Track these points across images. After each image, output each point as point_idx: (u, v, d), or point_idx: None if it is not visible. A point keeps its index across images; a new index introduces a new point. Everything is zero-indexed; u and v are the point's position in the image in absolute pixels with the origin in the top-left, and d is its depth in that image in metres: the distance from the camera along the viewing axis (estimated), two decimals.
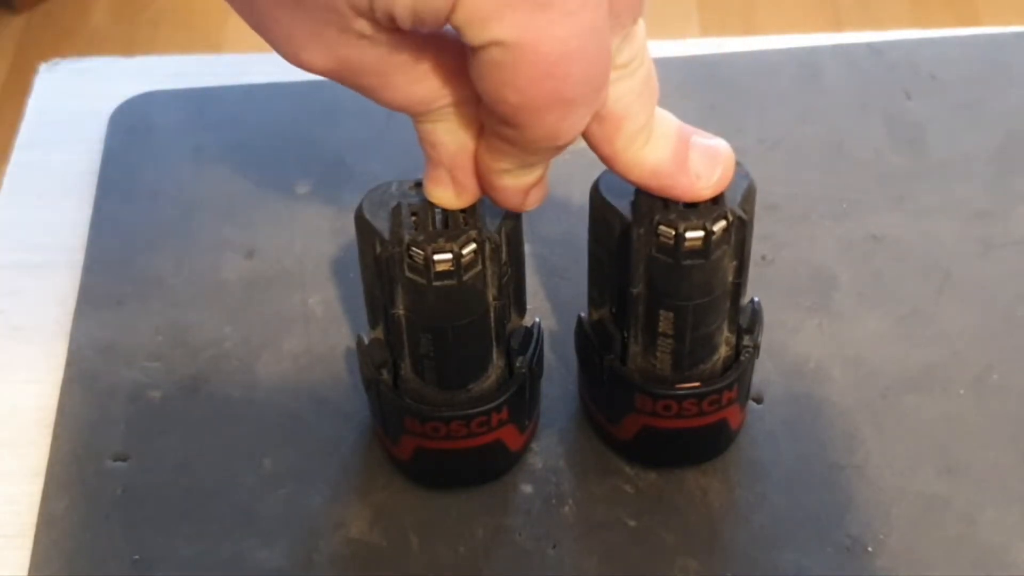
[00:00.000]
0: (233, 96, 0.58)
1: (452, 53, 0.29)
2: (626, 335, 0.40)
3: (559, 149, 0.32)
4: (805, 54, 0.59)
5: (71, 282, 0.50)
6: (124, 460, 0.44)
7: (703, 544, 0.42)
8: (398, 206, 0.36)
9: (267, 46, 0.31)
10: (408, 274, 0.36)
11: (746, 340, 0.40)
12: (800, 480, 0.43)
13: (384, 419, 0.42)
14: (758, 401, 0.45)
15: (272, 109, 0.57)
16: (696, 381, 0.40)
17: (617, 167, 0.35)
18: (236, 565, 0.41)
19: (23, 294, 0.51)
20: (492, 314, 0.38)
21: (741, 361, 0.40)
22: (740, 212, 0.36)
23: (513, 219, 0.37)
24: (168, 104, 0.57)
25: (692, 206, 0.36)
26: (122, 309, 0.49)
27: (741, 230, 0.37)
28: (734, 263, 0.38)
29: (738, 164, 0.37)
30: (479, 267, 0.36)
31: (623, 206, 0.37)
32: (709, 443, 0.43)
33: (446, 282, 0.35)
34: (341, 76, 0.31)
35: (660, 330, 0.39)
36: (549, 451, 0.44)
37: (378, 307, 0.39)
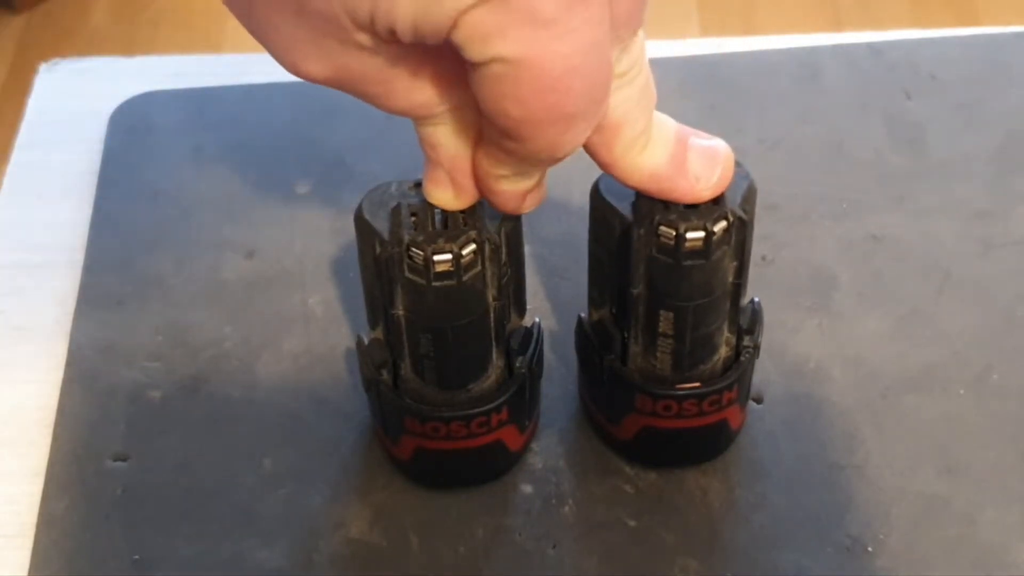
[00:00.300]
0: (233, 96, 0.58)
1: (452, 59, 0.29)
2: (626, 335, 0.40)
3: (558, 160, 0.32)
4: (805, 54, 0.59)
5: (71, 282, 0.50)
6: (124, 460, 0.44)
7: (703, 544, 0.42)
8: (398, 206, 0.36)
9: None
10: (408, 274, 0.36)
11: (746, 340, 0.40)
12: (800, 480, 0.43)
13: (384, 419, 0.42)
14: (758, 401, 0.45)
15: (272, 109, 0.57)
16: (696, 381, 0.40)
17: (616, 173, 0.35)
18: (236, 565, 0.41)
19: (23, 294, 0.51)
20: (492, 314, 0.38)
21: (741, 361, 0.40)
22: (741, 212, 0.36)
23: (513, 219, 0.37)
24: (168, 104, 0.57)
25: (693, 206, 0.36)
26: (122, 309, 0.49)
27: (741, 230, 0.37)
28: (734, 263, 0.38)
29: (738, 164, 0.37)
30: (479, 267, 0.36)
31: (623, 206, 0.37)
32: (709, 443, 0.43)
33: (446, 282, 0.35)
34: (341, 84, 0.31)
35: (660, 330, 0.39)
36: (549, 451, 0.44)
37: (378, 307, 0.39)
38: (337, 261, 0.50)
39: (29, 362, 0.48)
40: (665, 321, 0.38)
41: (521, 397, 0.41)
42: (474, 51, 0.28)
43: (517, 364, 0.40)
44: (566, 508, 0.43)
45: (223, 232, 0.52)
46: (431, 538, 0.42)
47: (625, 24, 0.30)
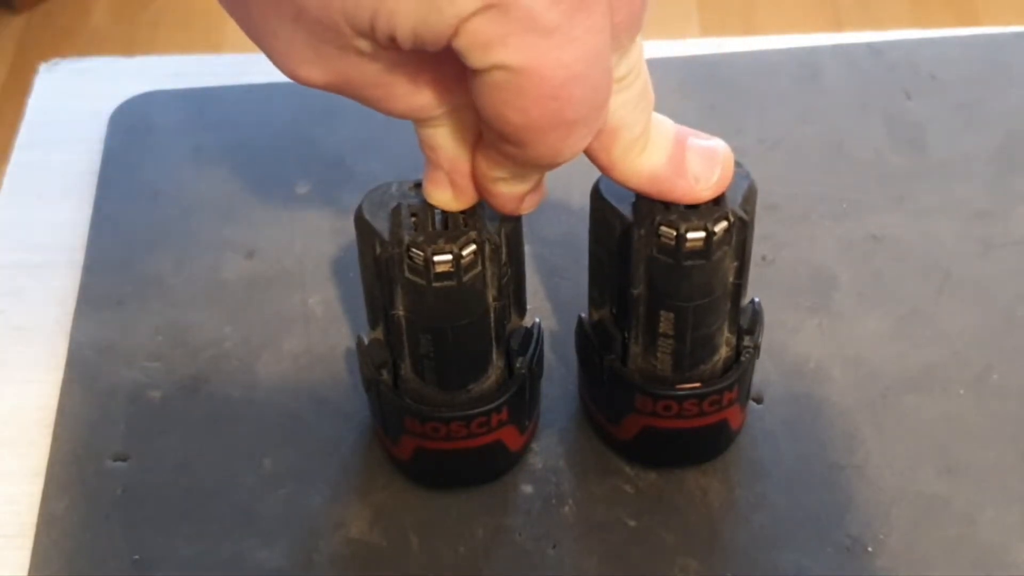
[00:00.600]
0: (233, 96, 0.58)
1: (452, 62, 0.29)
2: (626, 335, 0.40)
3: (558, 165, 0.32)
4: (805, 54, 0.59)
5: (71, 282, 0.50)
6: (124, 460, 0.44)
7: (703, 544, 0.42)
8: (398, 207, 0.36)
9: None
10: (408, 275, 0.36)
11: (746, 341, 0.40)
12: (800, 480, 0.43)
13: (384, 419, 0.42)
14: (758, 401, 0.45)
15: (272, 109, 0.57)
16: (697, 381, 0.40)
17: (615, 175, 0.35)
18: (236, 565, 0.41)
19: (23, 294, 0.51)
20: (492, 315, 0.38)
21: (741, 362, 0.40)
22: (741, 213, 0.36)
23: (513, 220, 0.37)
24: (168, 104, 0.57)
25: (693, 207, 0.36)
26: (122, 309, 0.49)
27: (742, 231, 0.37)
28: (735, 264, 0.38)
29: (739, 165, 0.37)
30: (479, 268, 0.36)
31: (624, 207, 0.37)
32: (709, 443, 0.43)
33: (446, 283, 0.35)
34: (340, 89, 0.31)
35: (661, 331, 0.39)
36: (549, 451, 0.44)
37: (378, 307, 0.39)
38: (337, 261, 0.50)
39: (29, 362, 0.48)
40: (665, 321, 0.38)
41: (521, 397, 0.41)
42: (475, 58, 0.28)
43: (517, 364, 0.40)
44: (566, 508, 0.43)
45: (223, 232, 0.52)
46: (431, 538, 0.42)
47: (625, 30, 0.30)
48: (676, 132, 0.35)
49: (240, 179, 0.54)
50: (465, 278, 0.35)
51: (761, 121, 0.56)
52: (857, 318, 0.48)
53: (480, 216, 0.36)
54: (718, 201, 0.36)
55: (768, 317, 0.41)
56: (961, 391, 0.46)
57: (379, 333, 0.40)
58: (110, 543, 0.42)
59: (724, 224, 0.36)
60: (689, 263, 0.36)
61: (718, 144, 0.36)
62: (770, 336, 0.43)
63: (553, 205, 0.50)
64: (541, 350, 0.41)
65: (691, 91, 0.57)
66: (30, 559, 0.41)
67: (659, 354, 0.39)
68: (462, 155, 0.34)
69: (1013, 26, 0.61)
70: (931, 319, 0.48)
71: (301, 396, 0.46)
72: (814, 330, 0.48)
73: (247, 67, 0.59)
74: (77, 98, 0.59)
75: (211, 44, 1.55)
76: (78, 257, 0.51)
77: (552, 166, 0.32)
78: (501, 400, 0.40)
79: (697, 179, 0.35)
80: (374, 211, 0.36)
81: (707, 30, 1.60)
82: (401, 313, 0.37)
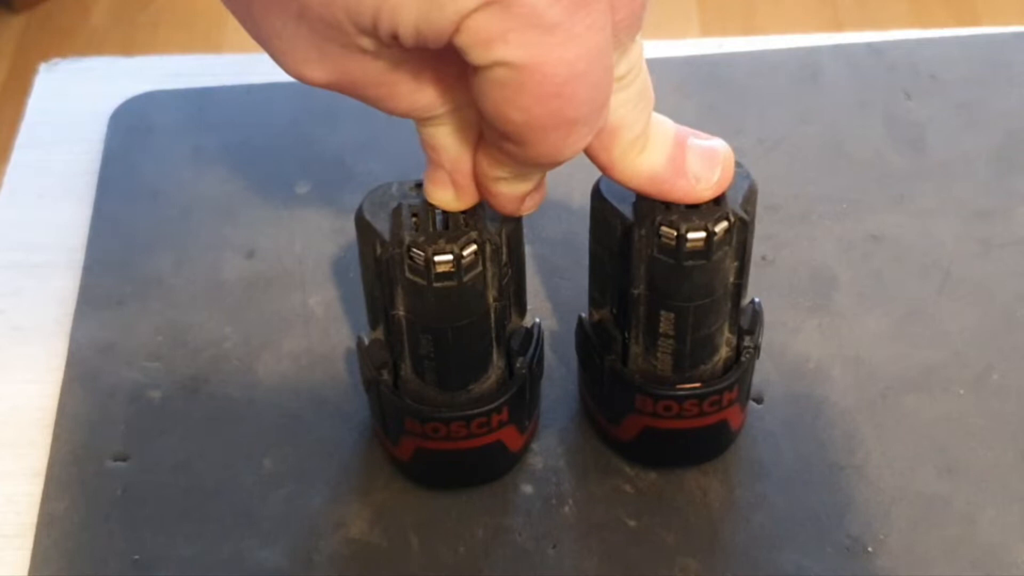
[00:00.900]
0: (233, 96, 0.58)
1: (454, 60, 0.29)
2: (627, 336, 0.40)
3: (558, 164, 0.32)
4: (805, 54, 0.59)
5: (71, 282, 0.50)
6: (124, 460, 0.44)
7: (703, 544, 0.42)
8: (399, 207, 0.36)
9: None
10: (408, 275, 0.36)
11: (747, 341, 0.40)
12: (800, 480, 0.43)
13: (384, 420, 0.42)
14: (758, 401, 0.45)
15: (272, 109, 0.57)
16: (697, 382, 0.40)
17: (615, 175, 0.35)
18: (236, 565, 0.41)
19: (23, 294, 0.51)
20: (492, 315, 0.38)
21: (742, 362, 0.40)
22: (742, 213, 0.36)
23: (513, 220, 0.37)
24: (168, 104, 0.57)
25: (694, 207, 0.36)
26: (122, 309, 0.49)
27: (743, 231, 0.37)
28: (735, 264, 0.38)
29: (739, 165, 0.37)
30: (479, 268, 0.36)
31: (624, 207, 0.37)
32: (709, 443, 0.43)
33: (446, 283, 0.35)
34: (343, 88, 0.31)
35: (661, 331, 0.39)
36: (549, 451, 0.44)
37: (378, 308, 0.39)
38: (337, 261, 0.50)
39: (29, 362, 0.48)
40: (666, 321, 0.38)
41: (521, 397, 0.41)
42: (476, 55, 0.28)
43: (517, 365, 0.40)
44: (566, 508, 0.43)
45: (223, 232, 0.52)
46: (431, 538, 0.42)
47: (626, 29, 0.30)
48: (676, 132, 0.35)
49: (240, 179, 0.54)
50: (466, 278, 0.35)
51: (761, 121, 0.56)
52: (857, 318, 0.48)
53: (481, 216, 0.36)
54: (718, 201, 0.36)
55: (768, 317, 0.41)
56: (961, 391, 0.46)
57: (379, 333, 0.40)
58: (110, 543, 0.42)
59: (724, 224, 0.36)
60: (690, 263, 0.36)
61: (718, 144, 0.36)
62: (770, 336, 0.43)
63: (553, 205, 0.50)
64: (541, 350, 0.41)
65: (691, 91, 0.57)
66: (30, 559, 0.41)
67: (659, 354, 0.39)
68: (464, 155, 0.34)
69: (1013, 26, 0.61)
70: (931, 319, 0.48)
71: (301, 396, 0.46)
72: (814, 330, 0.48)
73: (247, 67, 0.59)
74: (77, 98, 0.59)
75: (211, 44, 1.55)
76: (78, 257, 0.51)
77: (553, 165, 0.32)
78: (501, 400, 0.40)
79: (697, 179, 0.35)
80: (375, 211, 0.36)
81: (707, 30, 1.60)
82: (401, 313, 0.37)
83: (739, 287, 0.39)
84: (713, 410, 0.41)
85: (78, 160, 0.56)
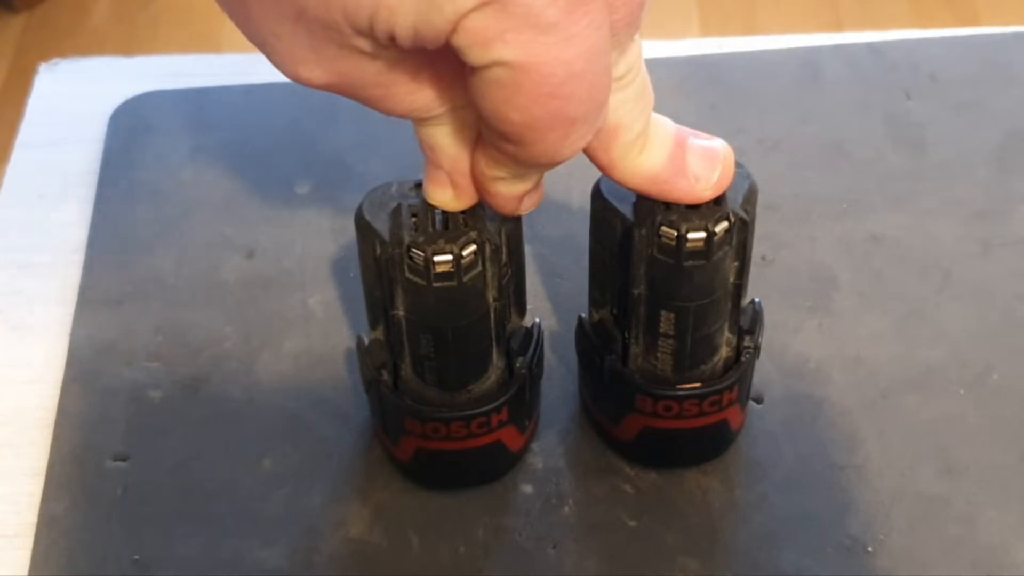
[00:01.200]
0: (233, 96, 0.58)
1: (451, 61, 0.29)
2: (627, 336, 0.40)
3: (557, 164, 0.32)
4: (805, 54, 0.59)
5: (71, 282, 0.50)
6: (124, 460, 0.44)
7: (703, 544, 0.42)
8: (398, 207, 0.36)
9: None
10: (408, 275, 0.36)
11: (747, 341, 0.40)
12: (800, 480, 0.43)
13: (384, 420, 0.42)
14: (758, 401, 0.45)
15: (272, 109, 0.57)
16: (697, 382, 0.40)
17: (614, 175, 0.35)
18: (236, 565, 0.41)
19: (23, 294, 0.51)
20: (492, 315, 0.38)
21: (742, 362, 0.40)
22: (742, 213, 0.36)
23: (513, 220, 0.37)
24: (168, 104, 0.57)
25: (694, 207, 0.36)
26: (122, 309, 0.49)
27: (743, 231, 0.37)
28: (735, 264, 0.38)
29: (739, 165, 0.37)
30: (479, 268, 0.36)
31: (624, 207, 0.37)
32: (709, 443, 0.43)
33: (446, 283, 0.35)
34: (341, 89, 0.31)
35: (661, 331, 0.39)
36: (549, 451, 0.44)
37: (378, 308, 0.39)
38: (337, 261, 0.50)
39: (29, 362, 0.48)
40: (666, 321, 0.38)
41: (521, 397, 0.41)
42: (474, 56, 0.28)
43: (517, 365, 0.40)
44: (566, 508, 0.43)
45: (223, 232, 0.52)
46: (431, 538, 0.42)
47: (624, 28, 0.30)
48: (676, 132, 0.35)
49: (240, 179, 0.54)
50: (465, 278, 0.35)
51: (761, 121, 0.56)
52: (857, 318, 0.48)
53: (480, 216, 0.36)
54: (719, 201, 0.36)
55: (768, 317, 0.41)
56: (961, 391, 0.46)
57: (379, 333, 0.40)
58: (110, 543, 0.42)
59: (725, 224, 0.36)
60: (690, 263, 0.36)
61: (718, 144, 0.36)
62: (770, 336, 0.43)
63: (553, 205, 0.50)
64: (541, 350, 0.41)
65: (691, 91, 0.57)
66: (30, 559, 0.41)
67: (659, 354, 0.39)
68: (462, 155, 0.34)
69: (1013, 26, 0.61)
70: (931, 319, 0.48)
71: (301, 396, 0.46)
72: (814, 330, 0.48)
73: (247, 67, 0.59)
74: (77, 98, 0.59)
75: (211, 44, 1.55)
76: (78, 257, 0.51)
77: (552, 165, 0.32)
78: (501, 400, 0.40)
79: (697, 179, 0.35)
80: (374, 211, 0.36)
81: (707, 30, 1.60)
82: (401, 313, 0.37)
83: (739, 287, 0.39)
84: (713, 410, 0.41)
85: (78, 160, 0.56)
